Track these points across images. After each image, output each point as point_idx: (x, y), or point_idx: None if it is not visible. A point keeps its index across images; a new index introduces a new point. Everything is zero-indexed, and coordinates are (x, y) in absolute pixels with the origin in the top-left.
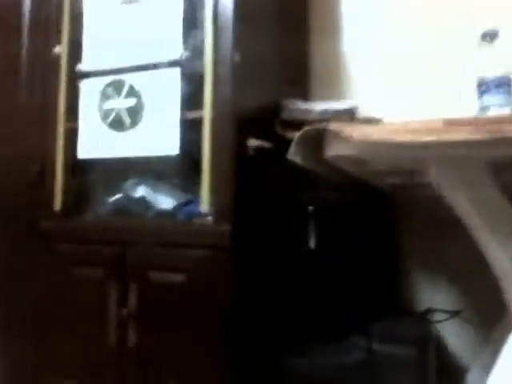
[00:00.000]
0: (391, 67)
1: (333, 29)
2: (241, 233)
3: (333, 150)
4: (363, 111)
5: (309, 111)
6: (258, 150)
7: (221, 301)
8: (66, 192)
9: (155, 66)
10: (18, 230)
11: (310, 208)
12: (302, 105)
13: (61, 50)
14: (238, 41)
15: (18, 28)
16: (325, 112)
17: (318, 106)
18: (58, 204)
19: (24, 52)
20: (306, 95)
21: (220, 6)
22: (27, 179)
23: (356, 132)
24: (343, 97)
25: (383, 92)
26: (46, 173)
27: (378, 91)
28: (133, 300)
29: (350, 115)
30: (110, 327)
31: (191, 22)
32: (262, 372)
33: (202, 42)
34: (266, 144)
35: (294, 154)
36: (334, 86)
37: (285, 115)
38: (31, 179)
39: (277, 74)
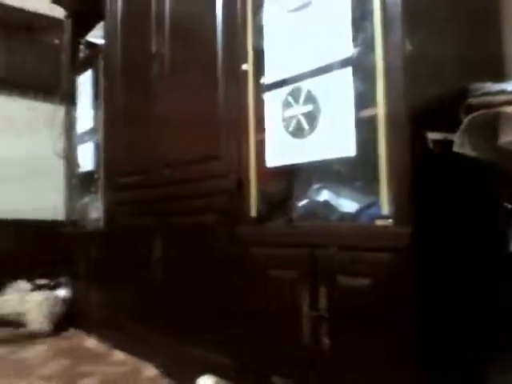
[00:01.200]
0: None
1: None
2: (423, 234)
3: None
4: None
5: (501, 92)
6: (440, 143)
7: (406, 305)
8: (259, 199)
9: (328, 68)
10: (218, 235)
11: (510, 206)
12: (492, 87)
13: (247, 67)
14: (409, 29)
15: (212, 42)
16: None
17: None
18: (253, 210)
19: (219, 66)
20: (498, 78)
21: None
22: (228, 187)
23: None
24: None
25: None
26: (243, 181)
27: None
28: (323, 303)
29: None
30: (303, 329)
31: (359, 17)
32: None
33: (372, 36)
34: (448, 136)
35: (460, 145)
36: None
37: (472, 100)
38: (231, 187)
39: (459, 60)
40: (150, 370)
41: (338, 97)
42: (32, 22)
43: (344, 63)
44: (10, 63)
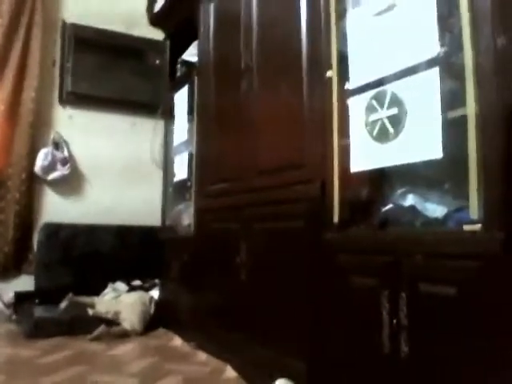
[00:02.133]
0: None
1: None
2: None
3: None
4: None
5: None
6: None
7: (497, 317)
8: (343, 205)
9: (414, 70)
10: (302, 241)
11: None
12: None
13: (332, 73)
14: (501, 23)
15: (297, 51)
16: None
17: None
18: (336, 216)
19: (304, 74)
20: None
21: None
22: (312, 193)
23: None
24: None
25: None
26: (327, 187)
27: None
28: (404, 310)
29: None
30: (382, 336)
31: (445, 15)
32: None
33: (460, 33)
34: None
35: None
36: None
37: None
38: (315, 193)
39: None
40: (230, 372)
41: (424, 98)
42: (136, 46)
43: (430, 63)
44: (119, 84)
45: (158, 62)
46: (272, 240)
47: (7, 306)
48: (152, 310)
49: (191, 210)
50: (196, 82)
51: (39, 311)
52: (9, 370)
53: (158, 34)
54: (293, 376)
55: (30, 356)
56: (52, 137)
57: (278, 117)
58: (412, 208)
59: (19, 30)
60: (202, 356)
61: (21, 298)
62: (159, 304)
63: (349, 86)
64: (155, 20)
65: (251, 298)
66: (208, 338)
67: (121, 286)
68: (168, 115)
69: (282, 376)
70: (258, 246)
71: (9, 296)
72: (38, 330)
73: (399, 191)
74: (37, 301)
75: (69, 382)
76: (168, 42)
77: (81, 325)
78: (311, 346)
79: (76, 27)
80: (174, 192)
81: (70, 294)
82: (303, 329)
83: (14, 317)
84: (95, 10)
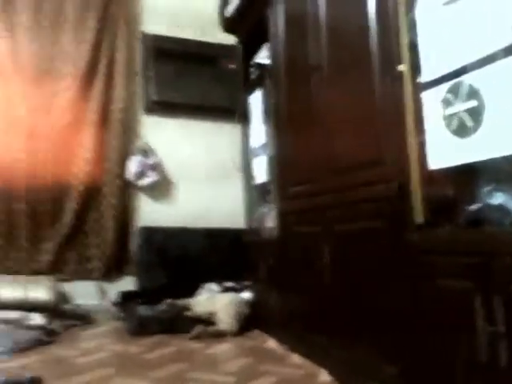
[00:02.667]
0: None
1: None
2: None
3: None
4: None
5: None
6: None
7: None
8: (424, 204)
9: (491, 59)
10: (384, 241)
11: None
12: None
13: (403, 67)
14: None
15: (366, 45)
16: None
17: None
18: (419, 216)
19: (375, 69)
20: None
21: None
22: (391, 192)
23: None
24: None
25: None
26: (406, 186)
27: None
28: (500, 316)
29: None
30: (477, 344)
31: None
32: None
33: None
34: None
35: None
36: None
37: None
38: (394, 192)
39: None
40: (324, 376)
41: (504, 88)
42: (210, 52)
43: (509, 50)
44: (198, 90)
45: (232, 66)
46: (353, 241)
47: (113, 304)
48: (246, 311)
49: (273, 213)
50: (269, 84)
51: (142, 310)
52: (118, 364)
53: (230, 39)
54: (385, 381)
55: (136, 352)
56: (140, 144)
57: (350, 114)
58: (500, 207)
59: (104, 44)
60: (296, 358)
61: (125, 298)
62: (252, 305)
63: (422, 79)
64: (227, 26)
65: (336, 301)
66: (300, 341)
67: (213, 287)
68: (244, 119)
69: (375, 381)
70: (339, 247)
71: (114, 295)
72: (141, 328)
73: (486, 189)
74: (140, 300)
75: (171, 377)
76: (241, 47)
77: (179, 324)
78: (401, 351)
79: (155, 38)
80: (255, 195)
81: (168, 299)
82: (392, 334)
83: (119, 315)
84: (171, 19)
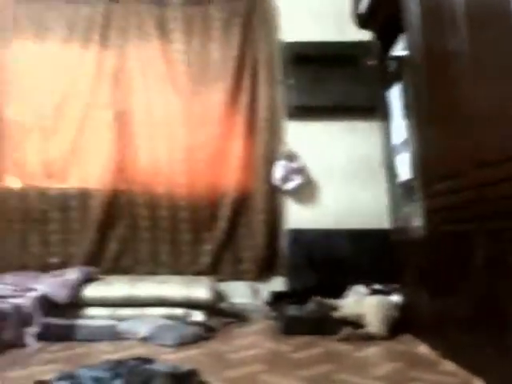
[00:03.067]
0: None
1: None
2: None
3: None
4: None
5: None
6: None
7: None
8: None
9: None
10: None
11: None
12: None
13: None
14: None
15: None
16: None
17: None
18: None
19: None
20: None
21: None
22: None
23: None
24: None
25: None
26: None
27: None
28: None
29: None
30: None
31: None
32: None
33: None
34: None
35: None
36: None
37: None
38: None
39: None
40: None
41: None
42: (348, 51)
43: None
44: (336, 91)
45: (371, 62)
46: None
47: (266, 304)
48: (395, 315)
49: (419, 211)
50: (407, 76)
51: (292, 310)
52: (268, 361)
53: (365, 35)
54: None
55: (286, 350)
56: (284, 150)
57: (494, 101)
58: None
59: (247, 56)
60: (450, 366)
61: (276, 298)
62: (401, 308)
63: None
64: (362, 22)
65: (495, 305)
66: (454, 347)
67: (361, 289)
68: (384, 115)
69: None
70: (494, 246)
71: (266, 295)
72: (290, 327)
73: None
74: (290, 300)
75: (318, 377)
76: (378, 42)
77: (327, 325)
78: None
79: (293, 44)
80: (400, 193)
81: (317, 297)
82: None
83: (271, 314)
84: (306, 24)
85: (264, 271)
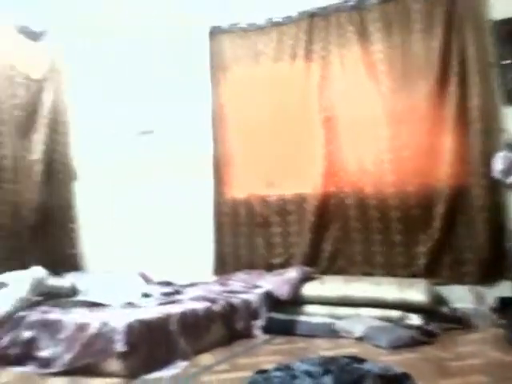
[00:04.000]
0: None
1: None
2: None
3: None
4: None
5: None
6: None
7: None
8: None
9: None
10: None
11: None
12: None
13: None
14: None
15: None
16: None
17: None
18: None
19: None
20: None
21: None
22: None
23: None
24: None
25: None
26: None
27: None
28: None
29: None
30: None
31: None
32: None
33: None
34: None
35: None
36: None
37: None
38: None
39: None
40: None
41: None
42: None
43: None
44: None
45: None
46: None
47: (492, 310)
48: None
49: None
50: None
51: None
52: (493, 373)
53: None
54: None
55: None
56: (505, 139)
57: None
58: None
59: (453, 42)
60: None
61: (504, 303)
62: None
63: None
64: None
65: None
66: None
67: None
68: None
69: None
70: None
71: (492, 300)
72: None
73: None
74: None
75: None
76: None
77: None
78: None
79: (505, 21)
80: None
81: None
82: None
83: (498, 321)
84: None
85: (488, 274)
